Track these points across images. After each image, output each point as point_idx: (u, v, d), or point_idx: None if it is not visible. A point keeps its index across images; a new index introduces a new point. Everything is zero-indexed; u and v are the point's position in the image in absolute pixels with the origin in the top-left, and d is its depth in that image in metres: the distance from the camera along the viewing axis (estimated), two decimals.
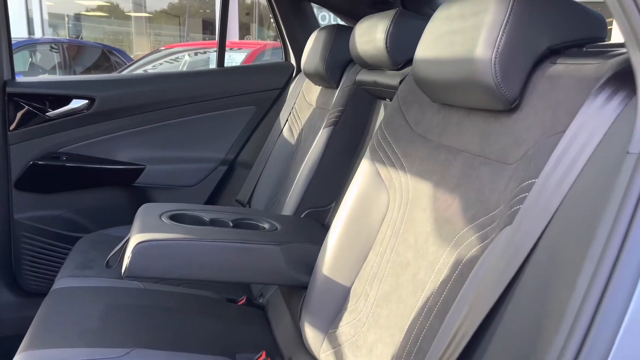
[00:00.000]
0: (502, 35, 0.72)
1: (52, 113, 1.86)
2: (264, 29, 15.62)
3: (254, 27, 15.86)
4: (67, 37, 12.08)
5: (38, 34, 11.86)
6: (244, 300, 1.47)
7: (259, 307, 1.48)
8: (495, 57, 0.72)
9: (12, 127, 1.82)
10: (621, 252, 0.46)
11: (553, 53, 0.76)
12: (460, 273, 0.77)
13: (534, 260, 0.57)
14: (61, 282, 1.38)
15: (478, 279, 0.67)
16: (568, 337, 0.45)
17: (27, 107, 1.82)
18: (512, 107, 0.75)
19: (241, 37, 13.38)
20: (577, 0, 0.76)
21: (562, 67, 0.71)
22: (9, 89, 1.80)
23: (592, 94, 0.61)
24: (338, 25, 1.61)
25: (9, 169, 1.85)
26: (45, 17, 13.19)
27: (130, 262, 1.04)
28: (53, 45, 8.05)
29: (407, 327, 0.85)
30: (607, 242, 0.47)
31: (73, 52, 7.95)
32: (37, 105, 1.84)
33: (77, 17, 14.89)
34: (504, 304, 0.59)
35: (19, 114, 1.82)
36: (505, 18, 0.72)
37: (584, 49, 0.77)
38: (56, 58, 7.72)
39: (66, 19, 14.29)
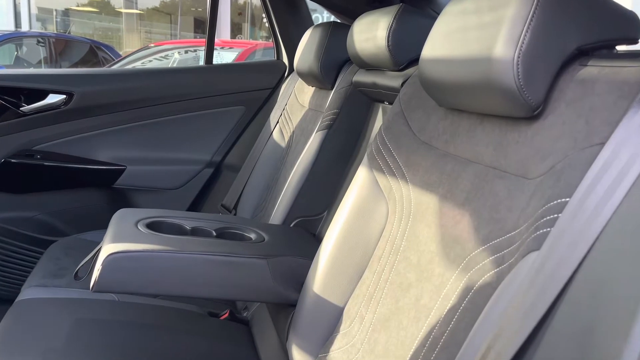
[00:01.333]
0: (527, 31, 0.63)
1: (26, 108, 1.74)
2: (256, 29, 15.52)
3: (246, 27, 15.75)
4: (55, 32, 11.86)
5: (25, 28, 11.65)
6: (227, 314, 1.36)
7: (242, 321, 1.38)
8: (519, 57, 0.63)
9: None
10: None
11: (582, 54, 0.67)
12: (472, 301, 0.67)
13: (572, 295, 0.48)
14: (27, 293, 1.26)
15: (498, 312, 0.57)
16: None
17: (0, 100, 1.71)
18: (534, 114, 0.66)
19: (233, 36, 13.26)
20: None
21: (595, 69, 0.62)
22: None
23: (636, 102, 0.52)
24: (334, 22, 1.51)
25: None
26: (34, 11, 12.98)
27: (100, 275, 0.93)
28: (40, 39, 7.89)
29: (408, 358, 0.75)
30: None
31: (60, 46, 7.79)
32: (11, 99, 1.72)
33: (66, 12, 14.67)
34: (533, 346, 0.49)
35: None
36: (531, 12, 0.63)
37: (615, 51, 0.69)
38: (42, 52, 7.56)
39: (54, 13, 14.07)
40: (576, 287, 0.48)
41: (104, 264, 0.94)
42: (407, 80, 1.02)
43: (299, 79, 1.75)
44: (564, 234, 0.51)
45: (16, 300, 1.24)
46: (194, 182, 1.95)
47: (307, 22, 1.96)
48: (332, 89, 1.45)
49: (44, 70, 2.31)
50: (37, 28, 12.23)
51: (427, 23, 0.87)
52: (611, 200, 0.48)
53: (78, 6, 15.46)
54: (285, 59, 2.05)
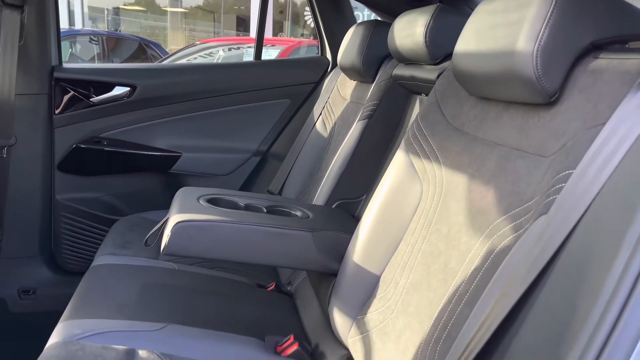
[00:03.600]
0: (545, 29, 0.73)
1: (95, 99, 1.93)
2: (297, 27, 15.70)
3: (287, 25, 15.96)
4: (106, 30, 12.38)
5: (78, 26, 12.19)
6: (273, 286, 1.50)
7: (287, 294, 1.51)
8: (537, 50, 0.73)
9: (57, 110, 1.90)
10: None
11: (596, 48, 0.77)
12: (492, 262, 0.78)
13: (569, 247, 0.58)
14: (100, 260, 1.43)
15: (511, 266, 0.68)
16: (602, 316, 0.47)
17: (72, 92, 1.90)
18: (551, 100, 0.76)
19: (274, 34, 13.48)
20: None
21: (604, 61, 0.72)
22: (56, 74, 1.88)
23: (634, 87, 0.61)
24: (376, 20, 1.63)
25: (53, 151, 1.93)
26: (86, 10, 13.55)
27: (170, 240, 1.08)
28: (92, 37, 8.29)
29: (436, 314, 0.86)
30: None
31: (111, 44, 8.16)
32: (82, 91, 1.91)
33: (116, 10, 15.25)
34: (537, 288, 0.60)
35: (64, 99, 1.90)
36: (549, 12, 0.73)
37: (627, 45, 0.78)
38: (95, 49, 7.94)
39: (106, 12, 14.65)
40: (573, 240, 0.58)
41: (172, 231, 1.09)
42: (442, 73, 1.12)
43: (342, 73, 1.87)
44: (567, 199, 0.61)
45: (92, 266, 1.41)
46: (242, 169, 2.11)
47: (350, 20, 2.08)
48: (372, 82, 1.56)
49: (112, 64, 2.51)
50: (89, 26, 12.78)
51: (461, 21, 0.97)
52: (606, 169, 0.58)
53: (126, 5, 16.05)
54: (328, 55, 2.17)
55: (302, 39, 8.78)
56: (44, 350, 1.00)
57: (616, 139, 0.59)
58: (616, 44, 0.77)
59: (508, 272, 0.68)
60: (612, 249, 0.51)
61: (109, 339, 1.04)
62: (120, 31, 12.50)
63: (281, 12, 16.14)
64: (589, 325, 0.48)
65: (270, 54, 6.33)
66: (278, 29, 15.74)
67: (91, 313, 1.12)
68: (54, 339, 1.04)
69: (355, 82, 1.75)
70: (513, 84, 0.79)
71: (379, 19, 1.77)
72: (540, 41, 0.73)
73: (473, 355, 0.64)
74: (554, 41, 0.73)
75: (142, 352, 1.03)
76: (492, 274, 0.76)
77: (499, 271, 0.71)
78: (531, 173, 0.78)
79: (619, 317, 0.47)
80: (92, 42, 8.16)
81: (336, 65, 2.00)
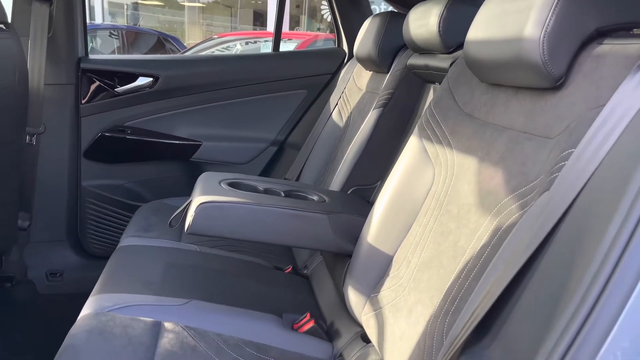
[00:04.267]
0: (552, 16, 0.77)
1: (120, 89, 2.00)
2: (313, 21, 15.71)
3: (304, 19, 15.98)
4: (126, 24, 12.54)
5: (99, 21, 12.36)
6: (290, 269, 1.56)
7: (303, 276, 1.57)
8: (544, 37, 0.77)
9: (84, 100, 1.98)
10: None
11: (601, 34, 0.80)
12: (499, 238, 0.82)
13: (568, 219, 0.62)
14: (126, 241, 1.51)
15: (514, 240, 0.72)
16: (592, 280, 0.51)
17: (98, 82, 1.97)
18: (557, 84, 0.80)
19: (291, 28, 13.52)
20: None
21: (608, 47, 0.75)
22: (83, 65, 1.95)
23: (633, 69, 0.65)
24: (392, 12, 1.66)
25: (79, 139, 2.00)
26: (106, 5, 13.73)
27: (193, 220, 1.14)
28: (112, 32, 8.42)
29: (446, 288, 0.91)
30: (636, 197, 0.52)
31: (131, 38, 8.29)
32: (107, 81, 1.99)
33: (135, 6, 15.43)
34: (537, 258, 0.64)
35: (90, 89, 1.97)
36: (556, 0, 0.76)
37: (632, 32, 0.81)
38: (115, 43, 8.07)
39: (125, 7, 14.84)
40: (573, 212, 0.62)
41: (196, 211, 1.15)
42: (455, 61, 1.16)
43: (358, 64, 1.92)
44: (567, 176, 0.65)
45: (118, 247, 1.48)
46: (260, 157, 2.17)
47: (367, 12, 2.12)
48: (388, 72, 1.60)
49: (135, 56, 2.59)
50: (109, 21, 12.96)
51: (474, 10, 1.01)
52: (605, 146, 0.62)
53: (145, 0, 16.21)
54: (345, 47, 2.21)
55: (318, 33, 8.81)
56: (77, 321, 1.07)
57: (615, 118, 0.63)
58: (621, 30, 0.80)
59: (511, 245, 0.72)
60: (606, 218, 0.55)
61: (137, 312, 1.11)
62: (139, 25, 12.67)
63: (298, 6, 16.17)
64: (581, 289, 0.52)
65: (287, 47, 6.38)
66: (295, 23, 15.77)
67: (120, 288, 1.19)
68: (86, 310, 1.11)
69: (371, 72, 1.79)
70: (521, 69, 0.83)
71: (395, 10, 1.80)
72: (547, 28, 0.77)
73: (476, 322, 0.69)
74: (559, 28, 0.77)
75: (167, 324, 1.09)
76: (498, 249, 0.81)
77: (504, 245, 0.76)
78: (537, 154, 0.82)
79: (608, 280, 0.51)
80: (112, 36, 8.30)
81: (352, 56, 2.04)
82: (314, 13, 15.84)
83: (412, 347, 0.93)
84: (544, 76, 0.79)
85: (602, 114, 0.66)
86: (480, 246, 0.87)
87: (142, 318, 1.09)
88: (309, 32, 9.98)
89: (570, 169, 0.66)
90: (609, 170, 0.60)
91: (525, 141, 0.86)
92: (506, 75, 0.90)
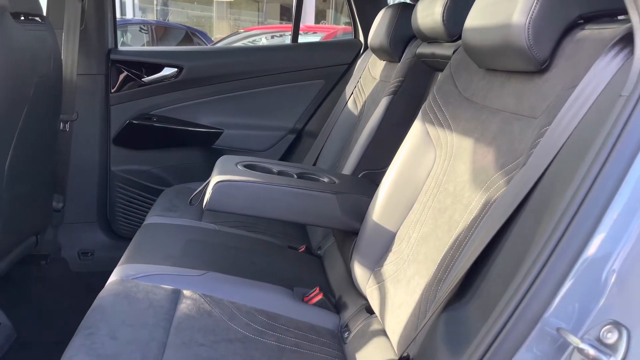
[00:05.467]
0: (537, 4, 0.82)
1: (147, 79, 2.12)
2: (339, 14, 15.72)
3: (331, 12, 16.01)
4: (155, 19, 12.81)
5: (129, 16, 12.65)
6: (304, 248, 1.64)
7: (316, 256, 1.65)
8: (529, 23, 0.83)
9: (113, 89, 2.10)
10: (603, 167, 0.57)
11: (586, 21, 0.85)
12: (487, 210, 0.88)
13: (538, 189, 0.68)
14: (151, 219, 1.61)
15: (495, 210, 0.79)
16: (556, 225, 0.57)
17: (126, 72, 2.09)
18: (542, 67, 0.86)
19: (317, 22, 13.57)
20: None
21: (588, 32, 0.81)
22: (112, 56, 2.07)
23: (603, 52, 0.71)
24: (404, 3, 1.72)
25: (109, 126, 2.13)
26: (136, 1, 14.03)
27: (211, 197, 1.23)
28: (142, 26, 8.63)
29: (439, 259, 0.98)
30: (593, 161, 0.58)
31: (160, 33, 8.50)
32: (135, 72, 2.10)
33: (165, 1, 15.71)
34: (512, 224, 0.71)
35: (119, 79, 2.09)
36: None
37: (617, 18, 0.86)
38: (145, 38, 8.28)
39: (155, 2, 15.13)
40: (544, 180, 0.68)
41: (213, 189, 1.24)
42: (457, 49, 1.22)
43: (372, 54, 1.98)
44: (541, 150, 0.72)
45: (143, 224, 1.59)
46: (278, 145, 2.26)
47: (382, 4, 2.17)
48: (399, 62, 1.67)
49: (161, 47, 2.71)
50: (139, 16, 13.26)
51: (475, 1, 1.07)
52: (573, 122, 0.68)
53: None
54: (361, 38, 2.28)
55: (344, 26, 8.84)
56: (105, 286, 1.18)
57: (585, 96, 0.69)
58: (605, 16, 0.85)
59: (492, 215, 0.79)
60: (566, 182, 0.61)
61: (159, 280, 1.21)
62: (168, 20, 12.93)
63: (324, 0, 16.20)
64: (539, 246, 0.59)
65: (311, 40, 6.45)
66: (321, 17, 15.82)
67: (143, 259, 1.30)
68: (113, 277, 1.22)
69: (385, 62, 1.86)
70: (509, 54, 0.89)
71: (407, 1, 1.86)
72: (532, 14, 0.83)
73: (456, 282, 0.76)
74: (544, 14, 0.82)
75: (186, 292, 1.19)
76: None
77: (487, 216, 0.82)
78: (524, 133, 0.88)
79: (563, 234, 0.57)
80: (142, 31, 8.51)
81: (368, 47, 2.11)
82: (341, 7, 15.85)
83: (409, 313, 1.00)
84: (530, 60, 0.85)
85: (575, 92, 0.72)
86: (471, 219, 0.93)
87: (163, 286, 1.19)
88: (334, 26, 10.03)
89: (544, 145, 0.72)
90: (574, 144, 0.66)
91: (514, 121, 0.92)
92: (499, 60, 0.96)
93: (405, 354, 0.85)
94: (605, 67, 0.69)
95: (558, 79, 0.82)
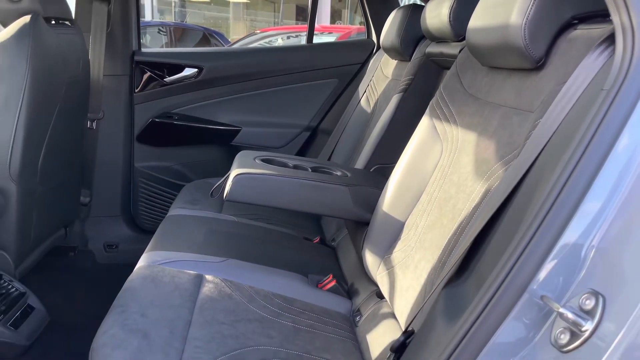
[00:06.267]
0: (532, 6, 0.89)
1: (168, 79, 2.22)
2: (355, 15, 15.77)
3: (346, 13, 16.07)
4: (173, 21, 13.01)
5: (148, 18, 12.87)
6: (318, 239, 1.72)
7: (330, 247, 1.73)
8: (525, 24, 0.89)
9: (137, 89, 2.20)
10: (584, 154, 0.64)
11: (580, 21, 0.92)
12: (486, 198, 0.95)
13: (529, 175, 0.75)
14: (174, 211, 1.71)
15: (493, 196, 0.86)
16: (542, 205, 0.65)
17: (149, 73, 2.19)
18: (538, 65, 0.92)
19: (332, 22, 13.65)
20: None
21: (580, 31, 0.87)
22: (136, 58, 2.18)
23: (591, 50, 0.77)
24: (414, 5, 1.79)
25: (133, 124, 2.23)
26: (155, 3, 14.25)
27: (231, 188, 1.32)
28: (161, 28, 8.79)
29: (444, 245, 1.05)
30: (576, 148, 0.65)
31: (178, 34, 8.64)
32: (158, 72, 2.20)
33: (182, 3, 15.93)
34: (505, 208, 0.78)
35: (143, 79, 2.20)
36: None
37: (609, 18, 0.92)
38: (163, 39, 8.44)
39: (173, 4, 15.36)
40: (533, 169, 0.75)
41: (233, 181, 1.32)
42: (463, 48, 1.29)
43: (385, 54, 2.05)
44: (531, 142, 0.78)
45: (166, 216, 1.69)
46: (294, 142, 2.34)
47: (394, 5, 2.25)
48: (409, 61, 1.73)
49: (181, 49, 2.82)
50: (157, 18, 13.47)
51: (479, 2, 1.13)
52: (561, 115, 0.75)
53: None
54: (374, 38, 2.35)
55: (359, 26, 8.90)
56: (133, 271, 1.27)
57: (572, 91, 0.76)
58: (597, 17, 0.92)
59: (489, 200, 0.86)
60: (553, 168, 0.68)
61: (182, 266, 1.30)
62: (186, 22, 13.11)
63: (340, 0, 16.27)
64: (526, 222, 0.66)
65: (326, 41, 6.53)
66: (337, 17, 15.88)
67: (168, 247, 1.39)
68: (141, 263, 1.31)
69: (396, 61, 1.92)
70: (508, 52, 0.96)
71: (418, 3, 1.92)
72: (528, 16, 0.89)
73: (457, 260, 0.83)
74: (539, 16, 0.89)
75: (208, 277, 1.27)
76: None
77: (485, 202, 0.89)
78: (522, 126, 0.95)
79: (547, 213, 0.64)
80: (161, 32, 8.67)
81: (380, 47, 2.18)
82: (355, 7, 15.89)
83: (415, 295, 1.07)
84: (527, 58, 0.92)
85: (563, 88, 0.79)
86: (473, 206, 1.00)
87: (186, 271, 1.28)
88: (348, 26, 10.09)
89: (535, 136, 0.79)
90: (561, 134, 0.73)
91: (514, 116, 0.99)
92: (499, 58, 1.03)
93: (410, 329, 0.92)
94: (591, 64, 0.75)
95: (552, 75, 0.88)
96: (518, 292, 0.65)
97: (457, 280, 0.84)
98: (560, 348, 0.61)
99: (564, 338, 0.61)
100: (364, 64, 2.33)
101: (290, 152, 2.35)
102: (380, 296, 1.32)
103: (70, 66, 1.75)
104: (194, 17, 15.83)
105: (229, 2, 16.92)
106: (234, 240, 1.52)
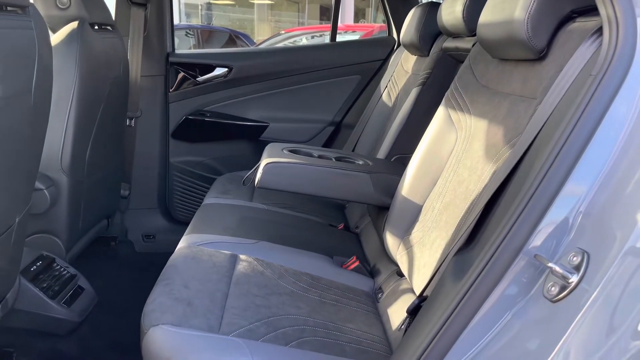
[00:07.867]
0: (534, 1, 0.98)
1: (200, 78, 2.36)
2: (378, 13, 15.79)
3: (370, 11, 16.11)
4: (200, 24, 13.29)
5: (176, 21, 13.17)
6: (342, 226, 1.83)
7: (354, 234, 1.83)
8: (528, 18, 0.98)
9: (171, 89, 2.35)
10: (572, 132, 0.73)
11: (580, 14, 1.00)
12: (493, 178, 1.05)
13: (528, 154, 0.85)
14: (208, 200, 1.84)
15: (498, 173, 0.95)
16: (536, 176, 0.74)
17: (183, 73, 2.34)
18: (541, 56, 1.01)
19: (357, 20, 13.72)
20: None
21: (578, 24, 0.96)
22: (170, 59, 2.32)
23: (585, 40, 0.86)
24: (432, 2, 1.88)
25: (168, 122, 2.38)
26: (182, 7, 14.57)
27: (262, 176, 1.44)
28: (188, 31, 9.02)
29: (457, 223, 1.14)
30: (565, 127, 0.74)
31: (205, 36, 8.86)
32: (190, 72, 2.35)
33: (209, 6, 16.23)
34: (510, 180, 0.88)
35: (177, 79, 2.34)
36: None
37: None
38: (191, 41, 8.66)
39: (199, 7, 15.67)
40: (530, 151, 0.85)
41: (264, 169, 1.44)
42: (476, 42, 1.38)
43: (405, 50, 2.14)
44: (531, 125, 0.88)
45: (202, 205, 1.82)
46: (319, 137, 2.46)
47: (413, 3, 2.34)
48: (428, 56, 1.83)
49: (212, 49, 2.96)
50: (185, 21, 13.78)
51: None
52: (557, 99, 0.84)
53: (217, 0, 16.98)
54: (395, 35, 2.45)
55: (381, 24, 8.97)
56: (175, 251, 1.40)
57: (567, 77, 0.85)
58: (595, 10, 1.00)
59: (494, 177, 0.95)
60: (547, 145, 0.77)
61: (219, 247, 1.42)
62: (212, 24, 13.39)
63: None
64: (523, 191, 0.76)
65: (350, 39, 6.62)
66: (361, 15, 15.95)
67: (206, 230, 1.52)
68: (181, 244, 1.44)
69: (416, 57, 2.02)
70: (513, 44, 1.05)
71: (435, 1, 2.01)
72: (530, 11, 0.98)
73: (465, 232, 0.93)
74: (540, 10, 0.98)
75: (242, 256, 1.40)
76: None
77: (491, 180, 0.99)
78: (526, 112, 1.04)
79: (540, 183, 0.74)
80: (188, 35, 8.90)
81: (401, 44, 2.27)
82: (378, 5, 15.92)
83: (432, 271, 1.17)
84: (530, 49, 1.01)
85: (560, 75, 0.88)
86: (483, 187, 1.09)
87: (223, 251, 1.40)
88: (371, 24, 10.15)
89: (534, 120, 0.89)
90: (555, 116, 0.82)
91: (520, 103, 1.08)
92: (506, 50, 1.12)
93: (424, 295, 1.02)
94: (584, 53, 0.84)
95: (552, 64, 0.97)
96: (514, 252, 0.74)
97: (465, 249, 0.93)
98: (551, 299, 0.71)
99: (554, 290, 0.70)
100: (385, 61, 2.42)
101: (316, 145, 2.46)
102: (400, 274, 1.42)
103: (113, 68, 1.90)
104: (220, 19, 16.11)
105: (254, 3, 17.14)
106: (265, 225, 1.64)
